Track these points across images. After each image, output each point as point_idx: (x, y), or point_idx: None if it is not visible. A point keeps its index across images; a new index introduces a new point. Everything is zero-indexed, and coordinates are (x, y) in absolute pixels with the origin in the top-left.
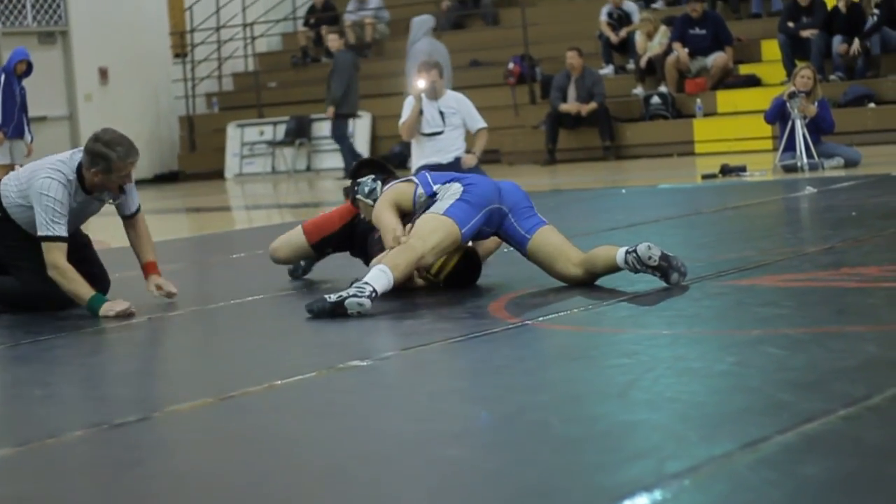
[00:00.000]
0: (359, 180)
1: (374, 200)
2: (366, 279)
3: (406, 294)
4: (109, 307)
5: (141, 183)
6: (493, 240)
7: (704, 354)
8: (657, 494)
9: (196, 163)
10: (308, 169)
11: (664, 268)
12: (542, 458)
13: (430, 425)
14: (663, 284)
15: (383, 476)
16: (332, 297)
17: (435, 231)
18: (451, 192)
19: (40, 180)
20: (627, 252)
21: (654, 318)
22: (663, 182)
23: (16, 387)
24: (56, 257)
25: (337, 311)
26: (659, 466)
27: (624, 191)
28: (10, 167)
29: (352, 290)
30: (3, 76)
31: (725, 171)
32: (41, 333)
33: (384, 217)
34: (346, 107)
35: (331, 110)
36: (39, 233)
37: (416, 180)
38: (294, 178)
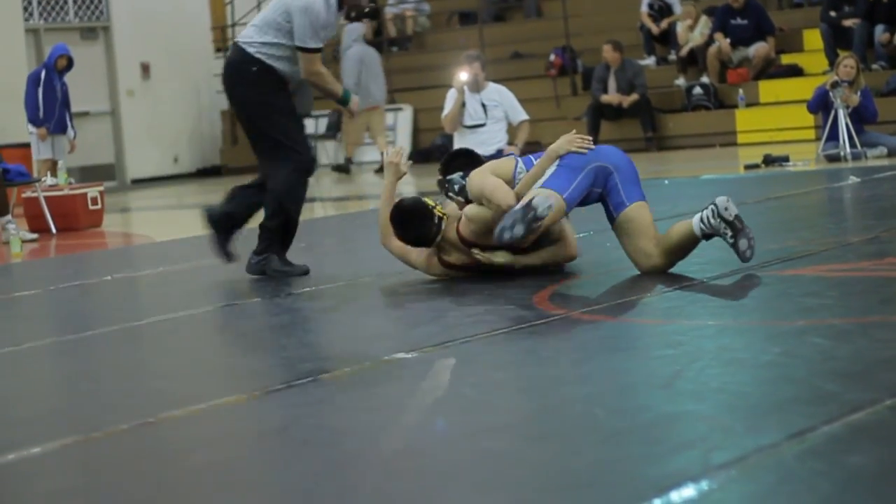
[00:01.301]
0: (448, 178)
1: (466, 199)
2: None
3: (450, 285)
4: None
5: (183, 178)
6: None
7: (750, 345)
8: (704, 485)
9: (238, 157)
10: (349, 162)
11: (737, 228)
12: (588, 450)
13: (475, 417)
14: (708, 275)
15: (429, 468)
16: (517, 207)
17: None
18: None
19: None
20: (704, 209)
21: (698, 308)
22: (706, 173)
23: (63, 381)
24: (317, 64)
25: (528, 215)
26: (705, 457)
27: (667, 181)
28: (54, 162)
29: (532, 196)
30: (43, 72)
31: (768, 161)
32: (88, 328)
33: (494, 182)
34: (301, 107)
35: None
36: (298, 43)
37: (517, 158)
38: (336, 171)
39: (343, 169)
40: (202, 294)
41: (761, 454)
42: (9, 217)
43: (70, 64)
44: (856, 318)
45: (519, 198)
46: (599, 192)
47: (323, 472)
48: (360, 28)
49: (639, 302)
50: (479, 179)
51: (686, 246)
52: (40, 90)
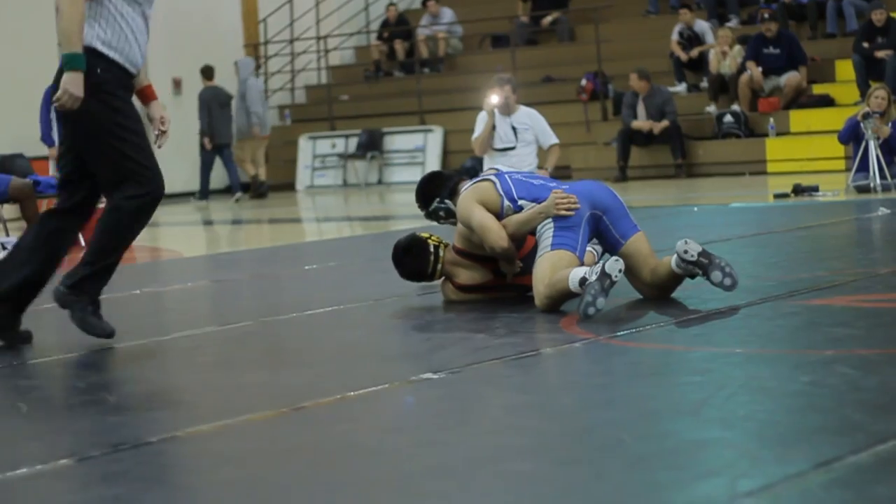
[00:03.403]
0: (431, 209)
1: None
2: (584, 274)
3: (477, 307)
4: (75, 80)
5: (213, 193)
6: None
7: (777, 373)
8: None
9: (268, 174)
10: (379, 182)
11: (704, 264)
12: (614, 475)
13: (501, 439)
14: (736, 302)
15: (454, 490)
16: (593, 276)
17: (555, 269)
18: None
19: None
20: (675, 250)
21: (726, 336)
22: (735, 201)
23: (89, 393)
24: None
25: (605, 283)
26: (732, 485)
27: (696, 209)
28: None
29: (594, 272)
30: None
31: (798, 190)
32: (114, 342)
33: (484, 220)
34: (215, 138)
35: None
36: None
37: (498, 187)
38: (365, 191)
39: (262, 194)
40: (230, 310)
41: (788, 483)
42: None
43: None
44: (884, 349)
45: (512, 239)
46: (591, 237)
47: (349, 490)
48: (252, 63)
49: (666, 328)
50: (467, 210)
51: (674, 282)
52: (53, 107)
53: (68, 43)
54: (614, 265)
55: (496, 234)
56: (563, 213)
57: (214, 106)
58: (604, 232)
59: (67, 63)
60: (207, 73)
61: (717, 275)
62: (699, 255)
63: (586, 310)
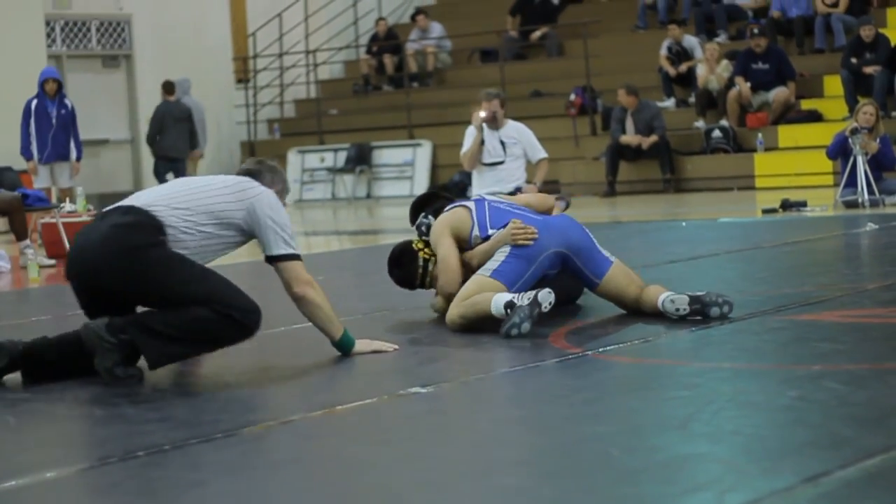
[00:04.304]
0: (418, 223)
1: None
2: (513, 299)
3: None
4: (367, 344)
5: None
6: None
7: (765, 388)
8: None
9: None
10: (368, 196)
11: (698, 310)
12: (602, 489)
13: (490, 453)
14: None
15: (443, 503)
16: (524, 301)
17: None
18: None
19: (266, 196)
20: (662, 302)
21: (714, 351)
22: (723, 216)
23: (79, 406)
24: (309, 276)
25: (534, 311)
26: (719, 499)
27: (684, 224)
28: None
29: (525, 297)
30: (34, 101)
31: (786, 205)
32: None
33: (447, 257)
34: (158, 149)
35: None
36: (279, 251)
37: (473, 213)
38: (354, 205)
39: None
40: None
41: (776, 497)
42: (27, 242)
43: (60, 86)
44: (871, 363)
45: (467, 269)
46: (559, 271)
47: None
48: (188, 83)
49: (654, 343)
50: (436, 237)
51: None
52: (32, 121)
53: (336, 326)
54: (546, 296)
55: (451, 278)
56: (521, 242)
57: (168, 120)
58: (577, 272)
59: (345, 346)
60: (167, 87)
61: (714, 311)
62: (689, 304)
63: (510, 330)
